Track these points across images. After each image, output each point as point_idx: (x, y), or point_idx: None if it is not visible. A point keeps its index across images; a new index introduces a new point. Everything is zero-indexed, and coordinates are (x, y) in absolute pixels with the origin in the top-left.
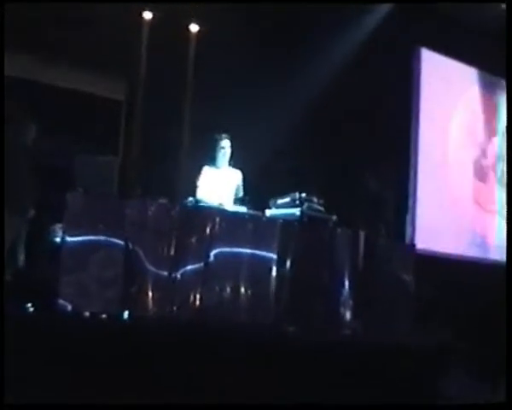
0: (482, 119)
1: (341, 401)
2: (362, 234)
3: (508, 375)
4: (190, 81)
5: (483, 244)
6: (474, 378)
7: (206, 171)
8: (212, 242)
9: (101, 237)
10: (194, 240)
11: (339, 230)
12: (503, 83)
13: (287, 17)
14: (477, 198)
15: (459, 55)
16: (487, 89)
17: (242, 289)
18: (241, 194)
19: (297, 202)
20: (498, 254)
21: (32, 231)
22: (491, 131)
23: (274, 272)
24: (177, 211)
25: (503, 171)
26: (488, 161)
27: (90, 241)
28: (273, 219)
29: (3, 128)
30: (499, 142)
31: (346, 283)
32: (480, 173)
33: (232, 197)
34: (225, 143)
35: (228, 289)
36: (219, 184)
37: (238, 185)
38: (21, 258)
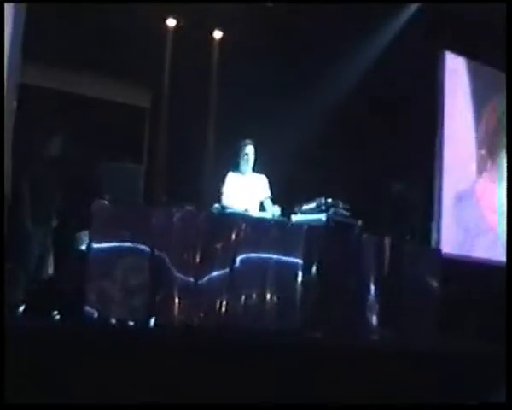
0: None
1: (369, 407)
2: (387, 239)
3: (508, 375)
4: (215, 87)
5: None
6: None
7: (231, 177)
8: (237, 248)
9: (128, 244)
10: (219, 246)
11: (364, 235)
12: None
13: (312, 23)
14: (501, 201)
15: (484, 57)
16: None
17: (268, 295)
18: (268, 197)
19: (323, 207)
20: None
21: (58, 239)
22: None
23: (300, 278)
24: (203, 217)
25: None
26: None
27: (116, 248)
28: (299, 224)
29: (3, 128)
30: None
31: (372, 288)
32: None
33: (257, 203)
34: (249, 150)
35: (254, 296)
36: (244, 190)
37: (265, 190)
38: (49, 267)
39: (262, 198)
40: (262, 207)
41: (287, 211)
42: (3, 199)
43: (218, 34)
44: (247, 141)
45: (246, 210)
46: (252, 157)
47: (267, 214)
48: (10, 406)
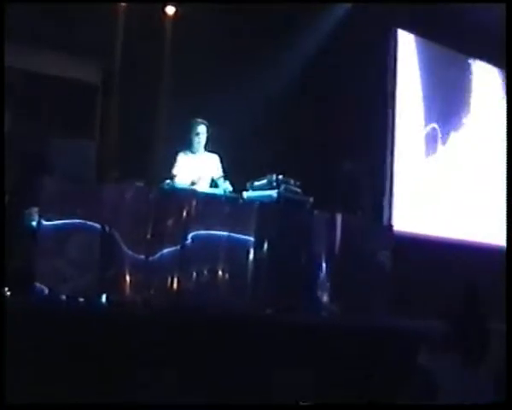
0: (458, 99)
1: (318, 384)
2: (339, 216)
3: (508, 375)
4: (167, 64)
5: (460, 225)
6: (456, 361)
7: (182, 157)
8: (188, 225)
9: (78, 221)
10: (170, 223)
11: (316, 212)
12: (479, 63)
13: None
14: (453, 179)
15: (436, 36)
16: (462, 70)
17: (219, 272)
18: (220, 176)
19: (274, 183)
20: (474, 235)
21: (8, 215)
22: (466, 112)
23: (251, 255)
24: (154, 194)
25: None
26: (464, 142)
27: (66, 225)
28: (250, 201)
29: (3, 128)
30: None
31: (323, 264)
32: (457, 154)
33: (209, 182)
34: (201, 129)
35: (205, 272)
36: (196, 170)
37: (217, 169)
38: None
39: (214, 177)
40: (214, 185)
41: (238, 188)
42: (3, 199)
43: (170, 10)
44: (199, 120)
45: (192, 183)
46: (203, 136)
47: (218, 191)
48: (10, 406)
